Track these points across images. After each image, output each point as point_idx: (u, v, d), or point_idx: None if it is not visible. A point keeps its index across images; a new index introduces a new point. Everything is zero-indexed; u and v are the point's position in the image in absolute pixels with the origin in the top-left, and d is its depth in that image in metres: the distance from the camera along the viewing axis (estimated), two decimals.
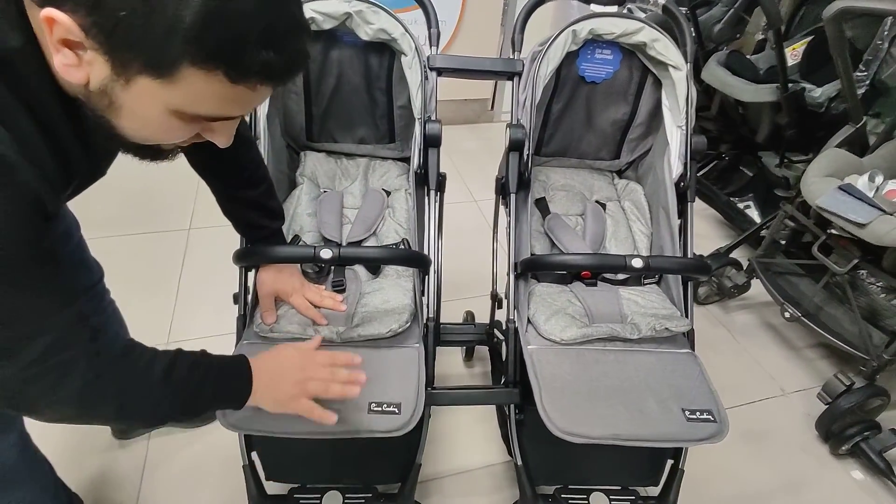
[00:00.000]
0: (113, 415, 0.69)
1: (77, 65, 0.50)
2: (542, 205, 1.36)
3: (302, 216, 1.25)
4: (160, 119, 0.54)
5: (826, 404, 1.51)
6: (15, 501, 0.92)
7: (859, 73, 1.67)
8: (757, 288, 1.92)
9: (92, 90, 0.52)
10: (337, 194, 1.32)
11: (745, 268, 1.91)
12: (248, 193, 0.99)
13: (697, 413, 0.94)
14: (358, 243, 1.23)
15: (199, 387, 0.74)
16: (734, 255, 2.00)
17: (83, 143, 0.61)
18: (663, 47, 1.19)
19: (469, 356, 1.69)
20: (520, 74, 1.20)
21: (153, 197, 2.28)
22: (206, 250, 2.04)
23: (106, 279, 1.16)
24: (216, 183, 0.98)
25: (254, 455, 1.05)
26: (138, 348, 0.70)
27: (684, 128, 1.20)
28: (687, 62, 1.20)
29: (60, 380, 0.60)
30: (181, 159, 0.97)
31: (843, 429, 1.47)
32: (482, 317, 1.68)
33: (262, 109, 1.15)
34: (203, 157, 0.92)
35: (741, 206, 2.22)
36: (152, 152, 0.63)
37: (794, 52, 1.97)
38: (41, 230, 0.56)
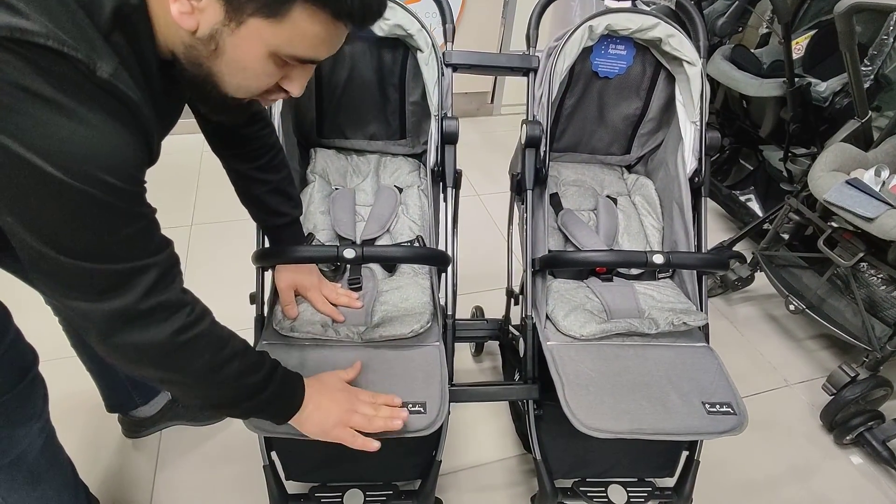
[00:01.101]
0: (186, 377, 0.69)
1: (190, 12, 0.55)
2: (554, 200, 1.36)
3: (315, 214, 1.24)
4: (257, 63, 0.59)
5: (831, 395, 1.53)
6: (36, 497, 0.91)
7: (864, 68, 1.68)
8: (758, 281, 1.95)
9: (199, 37, 0.56)
10: (349, 191, 1.31)
11: (749, 261, 1.93)
12: (270, 177, 0.98)
13: (718, 406, 0.96)
14: (372, 241, 1.23)
15: (264, 381, 0.76)
16: (736, 248, 2.03)
17: (159, 108, 0.63)
18: (678, 43, 1.19)
19: (479, 351, 1.70)
20: (536, 70, 1.20)
21: (153, 193, 2.23)
22: (209, 246, 2.02)
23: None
24: (239, 165, 0.96)
25: (273, 455, 1.05)
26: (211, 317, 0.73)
27: (698, 123, 1.21)
28: (701, 57, 1.20)
29: (157, 323, 0.63)
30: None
31: (848, 419, 1.50)
32: (490, 311, 1.69)
33: (277, 107, 1.13)
34: (227, 139, 0.92)
35: (743, 199, 2.23)
36: (227, 108, 0.66)
37: (797, 46, 1.98)
38: (145, 171, 0.61)
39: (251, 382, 0.74)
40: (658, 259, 0.97)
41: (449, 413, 1.09)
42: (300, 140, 1.35)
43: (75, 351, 1.19)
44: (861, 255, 1.49)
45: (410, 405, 0.89)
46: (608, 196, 1.40)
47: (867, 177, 1.47)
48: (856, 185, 1.42)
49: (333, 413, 0.82)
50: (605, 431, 0.90)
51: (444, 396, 0.92)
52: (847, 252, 1.54)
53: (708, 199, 1.22)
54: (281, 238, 1.05)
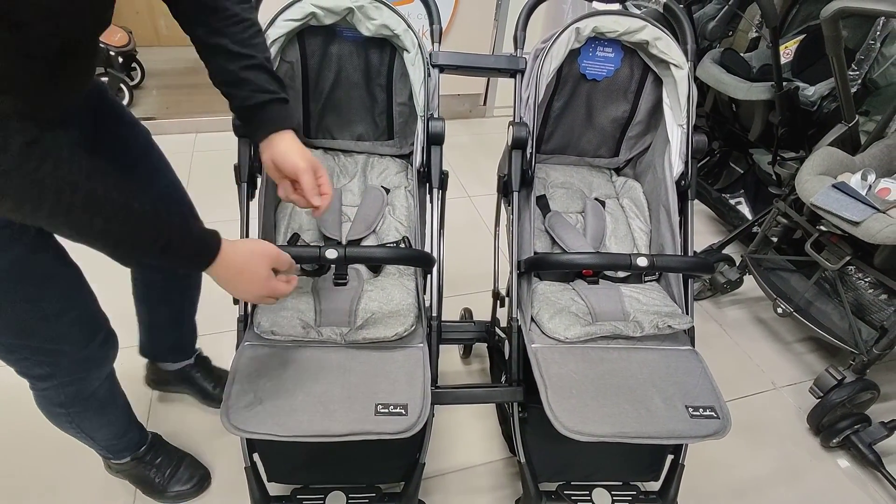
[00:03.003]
0: (47, 209, 0.64)
1: None
2: (542, 202, 1.36)
3: (300, 214, 1.24)
4: None
5: (817, 398, 1.54)
6: (107, 422, 1.13)
7: (851, 73, 1.69)
8: (747, 284, 1.95)
9: None
10: (336, 192, 1.30)
11: (738, 264, 1.93)
12: (250, 52, 0.89)
13: (701, 410, 0.95)
14: (358, 241, 1.22)
15: (165, 217, 0.71)
16: (726, 250, 2.03)
17: None
18: (665, 46, 1.19)
19: (467, 353, 1.69)
20: (522, 72, 1.19)
21: None
22: None
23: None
24: (211, 38, 0.87)
25: (255, 456, 1.04)
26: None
27: (685, 126, 1.21)
28: (688, 60, 1.20)
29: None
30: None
31: (835, 422, 1.50)
32: (479, 313, 1.68)
33: None
34: (196, 7, 0.86)
35: (732, 202, 2.24)
36: None
37: (786, 51, 1.99)
38: None
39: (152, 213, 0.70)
40: (642, 262, 0.97)
41: (433, 415, 1.09)
42: None
43: (134, 299, 1.30)
44: (848, 258, 1.50)
45: (392, 407, 0.89)
46: (596, 198, 1.40)
47: (854, 181, 1.47)
48: (842, 188, 1.42)
49: (247, 292, 0.85)
50: (587, 434, 0.89)
51: (427, 398, 0.92)
52: (834, 255, 1.55)
53: (698, 201, 1.22)
54: (265, 116, 0.92)
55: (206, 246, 0.77)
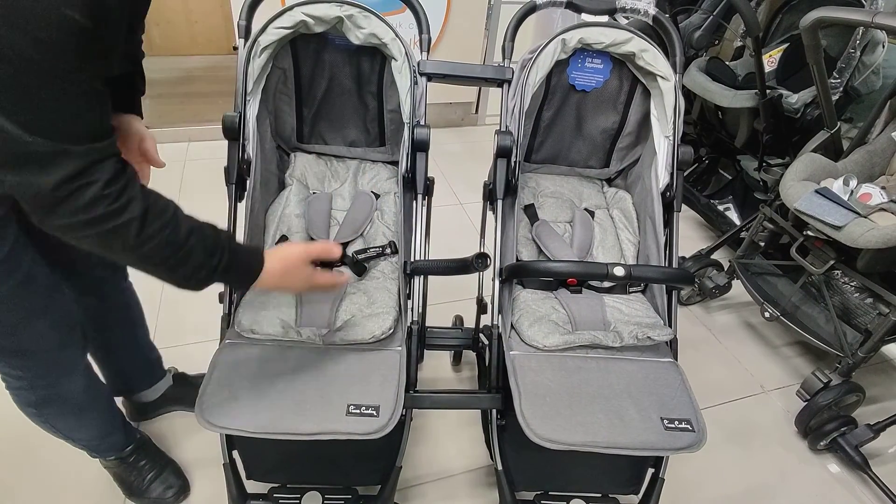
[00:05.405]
0: (130, 249, 0.72)
1: None
2: (530, 211, 1.37)
3: (290, 217, 1.25)
4: None
5: (805, 401, 1.55)
6: (85, 424, 1.12)
7: (833, 81, 1.72)
8: (736, 288, 1.97)
9: None
10: (326, 196, 1.32)
11: (725, 269, 1.96)
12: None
13: (676, 422, 0.94)
14: (345, 245, 1.23)
15: (216, 243, 0.81)
16: (715, 256, 2.05)
17: None
18: (652, 58, 1.20)
19: (457, 360, 1.69)
20: (509, 82, 1.21)
21: None
22: None
23: None
24: None
25: (234, 454, 1.05)
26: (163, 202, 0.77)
27: (671, 138, 1.21)
28: (676, 73, 1.21)
29: (89, 205, 0.64)
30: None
31: (821, 424, 1.52)
32: (471, 321, 1.69)
33: (252, 110, 1.14)
34: None
35: (721, 208, 2.27)
36: None
37: (770, 59, 2.02)
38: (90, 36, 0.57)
39: (210, 241, 0.81)
40: (618, 271, 0.97)
41: (411, 419, 1.10)
42: (280, 144, 1.36)
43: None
44: (832, 262, 1.52)
45: (363, 408, 0.89)
46: (586, 209, 1.40)
47: (836, 186, 1.50)
48: (825, 194, 1.45)
49: (293, 288, 0.98)
50: (558, 443, 0.89)
51: (399, 401, 0.92)
52: (819, 260, 1.57)
53: (686, 207, 1.22)
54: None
55: (252, 264, 0.86)
